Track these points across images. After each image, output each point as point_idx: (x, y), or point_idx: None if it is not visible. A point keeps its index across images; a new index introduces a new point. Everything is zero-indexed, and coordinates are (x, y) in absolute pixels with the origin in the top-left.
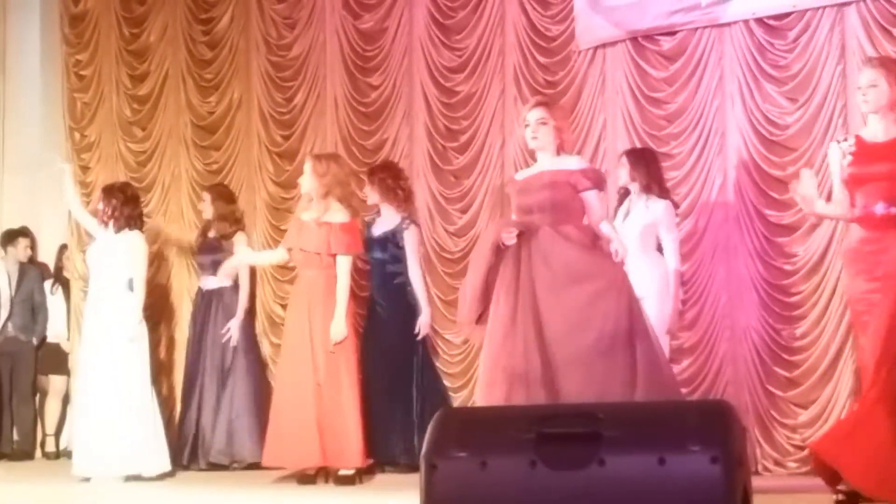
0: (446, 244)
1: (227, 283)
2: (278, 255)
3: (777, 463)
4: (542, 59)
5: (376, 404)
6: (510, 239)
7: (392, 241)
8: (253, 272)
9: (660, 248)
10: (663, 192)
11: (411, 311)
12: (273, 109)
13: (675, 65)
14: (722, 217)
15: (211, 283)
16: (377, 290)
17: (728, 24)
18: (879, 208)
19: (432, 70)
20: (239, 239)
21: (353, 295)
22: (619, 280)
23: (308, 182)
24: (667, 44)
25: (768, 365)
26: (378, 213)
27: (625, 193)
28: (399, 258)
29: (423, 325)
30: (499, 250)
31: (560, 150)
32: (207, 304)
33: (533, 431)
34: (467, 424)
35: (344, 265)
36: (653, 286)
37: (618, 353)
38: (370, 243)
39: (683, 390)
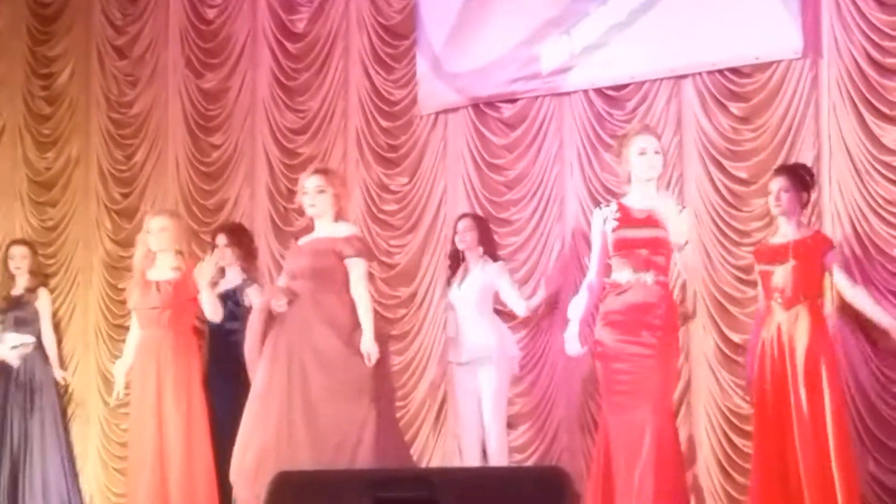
0: None
1: (30, 339)
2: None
3: None
4: (384, 123)
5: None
6: (280, 306)
7: (231, 299)
8: (55, 326)
9: (495, 311)
10: (497, 257)
11: (245, 369)
12: (113, 167)
13: (516, 132)
14: (559, 283)
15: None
16: (213, 347)
17: (568, 94)
18: None
19: (275, 131)
20: (42, 294)
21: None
22: (365, 384)
23: (172, 239)
24: (508, 111)
25: None
26: (222, 273)
27: (456, 258)
28: (236, 316)
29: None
30: (270, 316)
31: (338, 217)
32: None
33: (368, 496)
34: (303, 488)
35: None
36: (491, 349)
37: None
38: None
39: (519, 456)
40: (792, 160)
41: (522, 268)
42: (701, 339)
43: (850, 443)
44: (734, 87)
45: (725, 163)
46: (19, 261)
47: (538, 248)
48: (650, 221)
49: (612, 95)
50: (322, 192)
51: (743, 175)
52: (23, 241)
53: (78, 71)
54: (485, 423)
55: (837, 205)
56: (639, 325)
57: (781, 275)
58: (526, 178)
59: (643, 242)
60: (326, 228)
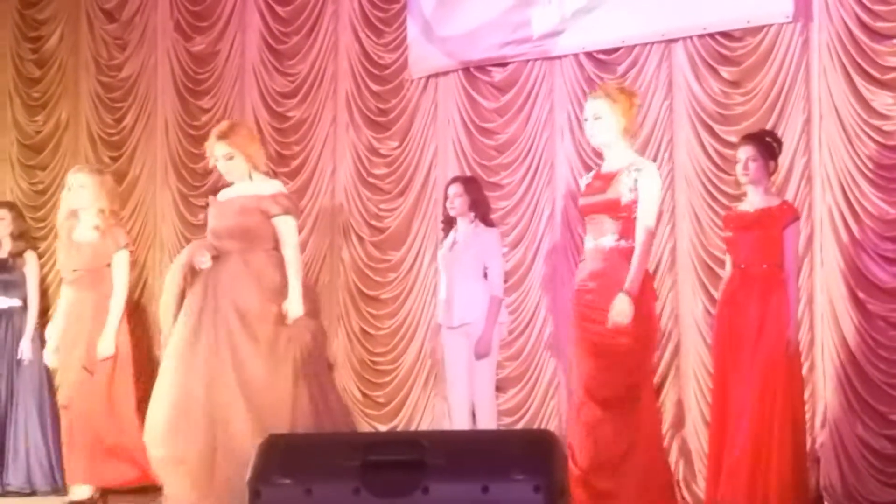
0: None
1: (17, 302)
2: None
3: None
4: (374, 87)
5: None
6: (203, 263)
7: None
8: (44, 290)
9: (486, 275)
10: (490, 222)
11: None
12: (102, 130)
13: (507, 96)
14: (549, 248)
15: (0, 303)
16: None
17: (559, 58)
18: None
19: (264, 94)
20: (30, 257)
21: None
22: (290, 351)
23: (93, 197)
24: (498, 75)
25: None
26: None
27: (448, 222)
28: None
29: None
30: (193, 272)
31: (255, 171)
32: None
33: (358, 459)
34: (292, 451)
35: (122, 274)
36: (479, 313)
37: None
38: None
39: (508, 420)
40: (782, 124)
41: (513, 231)
42: (689, 303)
43: (800, 416)
44: (725, 50)
45: (715, 126)
46: (8, 224)
47: (528, 211)
48: (607, 184)
49: (603, 59)
50: (231, 158)
51: (733, 139)
52: (4, 204)
53: (67, 34)
54: (474, 387)
55: (828, 169)
56: (603, 294)
57: (745, 242)
58: (516, 141)
59: (600, 206)
60: (249, 186)
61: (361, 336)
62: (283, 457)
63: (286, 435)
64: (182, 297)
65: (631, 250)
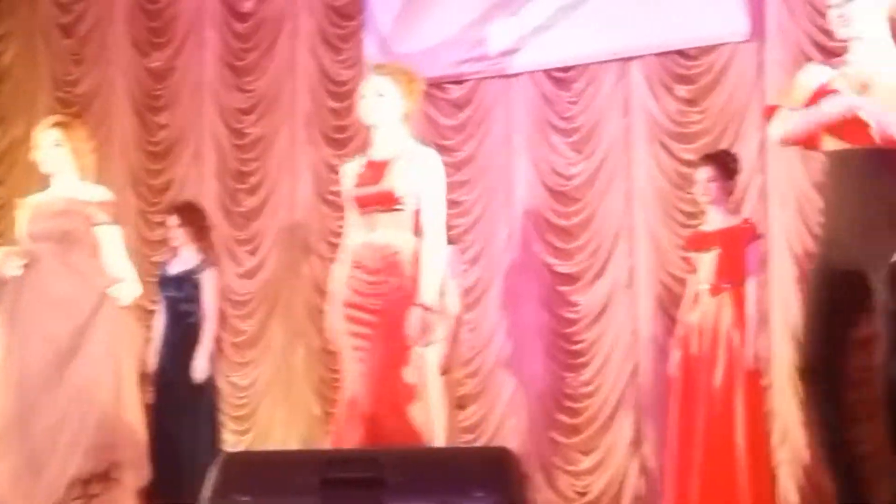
0: (234, 286)
1: None
2: None
3: None
4: (332, 104)
5: (162, 446)
6: (13, 270)
7: (189, 281)
8: None
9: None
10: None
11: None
12: None
13: (464, 113)
14: (508, 265)
15: None
16: (168, 328)
17: (516, 75)
18: None
19: (222, 111)
20: None
21: None
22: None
23: None
24: (456, 92)
25: (552, 412)
26: (176, 253)
27: None
28: (193, 298)
29: (198, 370)
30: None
31: (82, 174)
32: None
33: (317, 476)
34: (251, 468)
35: None
36: (439, 333)
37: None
38: (164, 282)
39: (468, 437)
40: (738, 142)
41: (470, 249)
42: (648, 323)
43: (764, 433)
44: (681, 69)
45: (672, 145)
46: None
47: (486, 230)
48: (380, 174)
49: (560, 77)
50: (58, 145)
51: (690, 157)
52: None
53: (22, 50)
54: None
55: (783, 188)
56: (371, 297)
57: (707, 262)
58: (474, 159)
59: (373, 199)
60: (72, 187)
61: (321, 353)
62: (241, 473)
63: (244, 452)
64: None
65: (397, 250)
